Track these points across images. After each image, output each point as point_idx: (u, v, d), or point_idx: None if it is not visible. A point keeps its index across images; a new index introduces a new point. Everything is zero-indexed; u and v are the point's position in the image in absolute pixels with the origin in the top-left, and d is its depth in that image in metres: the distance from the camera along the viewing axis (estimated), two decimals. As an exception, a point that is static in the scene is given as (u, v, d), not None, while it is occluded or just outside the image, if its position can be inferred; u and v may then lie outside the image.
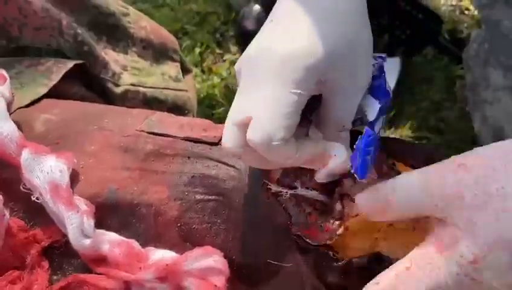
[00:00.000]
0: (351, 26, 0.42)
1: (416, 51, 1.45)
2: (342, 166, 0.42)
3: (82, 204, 0.47)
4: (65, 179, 0.47)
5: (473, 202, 0.35)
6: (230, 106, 0.44)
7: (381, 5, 1.39)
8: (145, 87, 0.70)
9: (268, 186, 0.48)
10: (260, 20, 1.41)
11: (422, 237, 0.39)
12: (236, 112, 0.42)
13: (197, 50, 1.46)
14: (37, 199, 0.47)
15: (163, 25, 0.83)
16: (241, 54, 0.45)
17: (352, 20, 0.43)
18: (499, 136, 1.15)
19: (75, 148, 0.51)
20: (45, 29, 0.63)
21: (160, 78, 0.73)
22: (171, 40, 0.76)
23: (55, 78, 0.59)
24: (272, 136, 0.40)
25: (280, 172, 0.48)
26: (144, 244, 0.48)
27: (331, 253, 0.47)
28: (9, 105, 0.53)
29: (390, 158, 0.46)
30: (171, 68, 0.75)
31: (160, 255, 0.47)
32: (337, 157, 0.42)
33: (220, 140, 0.47)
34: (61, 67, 0.60)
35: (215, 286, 0.45)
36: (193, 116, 0.76)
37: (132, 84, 0.69)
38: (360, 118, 0.44)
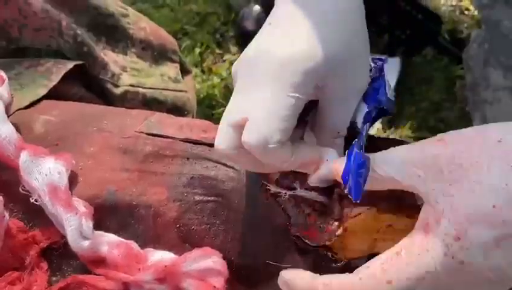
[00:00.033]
0: (350, 31, 0.42)
1: (416, 51, 1.45)
2: (334, 171, 0.42)
3: (81, 206, 0.47)
4: (64, 181, 0.47)
5: (450, 175, 0.36)
6: (230, 104, 0.44)
7: (381, 5, 1.39)
8: (145, 88, 0.70)
9: (267, 187, 0.48)
10: (260, 21, 1.41)
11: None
12: (232, 113, 0.42)
13: (197, 50, 1.47)
14: (36, 200, 0.47)
15: (163, 25, 0.83)
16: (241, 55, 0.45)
17: (351, 24, 0.42)
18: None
19: (74, 149, 0.51)
20: (45, 30, 0.63)
21: (160, 79, 0.73)
22: (170, 41, 0.76)
23: (55, 79, 0.59)
24: (268, 138, 0.40)
25: (279, 173, 0.48)
26: (142, 245, 0.48)
27: (330, 254, 0.47)
28: (8, 106, 0.53)
29: None
30: (171, 69, 0.75)
31: (159, 257, 0.47)
32: (329, 163, 0.42)
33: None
34: (60, 68, 0.60)
35: (214, 287, 0.45)
36: (193, 117, 0.76)
37: (131, 85, 0.69)
38: (352, 122, 0.44)
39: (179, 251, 0.47)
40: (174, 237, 0.49)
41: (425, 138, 0.40)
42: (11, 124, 0.50)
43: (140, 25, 0.73)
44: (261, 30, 0.44)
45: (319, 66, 0.40)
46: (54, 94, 0.58)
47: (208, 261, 0.46)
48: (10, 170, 0.49)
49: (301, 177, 0.47)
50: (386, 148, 0.44)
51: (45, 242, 0.48)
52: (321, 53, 0.40)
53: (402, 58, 1.41)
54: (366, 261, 0.40)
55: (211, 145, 0.51)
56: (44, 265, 0.48)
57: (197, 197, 0.49)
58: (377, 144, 0.45)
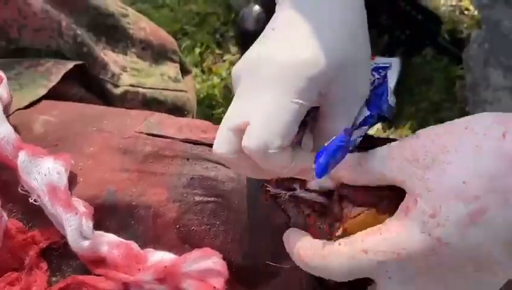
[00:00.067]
0: (352, 37, 0.42)
1: (416, 51, 1.45)
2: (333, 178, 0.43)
3: (81, 206, 0.47)
4: (63, 181, 0.47)
5: (424, 162, 0.38)
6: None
7: (380, 5, 1.39)
8: (145, 88, 0.70)
9: (267, 188, 0.48)
10: (260, 21, 1.41)
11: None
12: (232, 116, 0.42)
13: (197, 50, 1.47)
14: (35, 201, 0.47)
15: (163, 25, 0.83)
16: (241, 55, 0.45)
17: (353, 30, 0.42)
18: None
19: (73, 149, 0.51)
20: (45, 31, 0.63)
21: (160, 78, 0.73)
22: (170, 41, 0.76)
23: (55, 79, 0.59)
24: (269, 143, 0.40)
25: (278, 174, 0.48)
26: (142, 245, 0.48)
27: (330, 254, 0.47)
28: (7, 106, 0.53)
29: None
30: (171, 69, 0.75)
31: (159, 257, 0.47)
32: None
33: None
34: (60, 68, 0.60)
35: (214, 287, 0.46)
36: (193, 117, 0.76)
37: (131, 85, 0.69)
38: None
39: (178, 252, 0.47)
40: (174, 237, 0.49)
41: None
42: (9, 124, 0.50)
43: (140, 25, 0.73)
44: (263, 35, 0.44)
45: (322, 73, 0.40)
46: (53, 94, 0.58)
47: (207, 261, 0.46)
48: (9, 170, 0.49)
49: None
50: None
51: (45, 242, 0.48)
52: (324, 60, 0.40)
53: (402, 58, 1.41)
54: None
55: (211, 145, 0.51)
56: (44, 265, 0.48)
57: (197, 198, 0.49)
58: (376, 144, 0.45)
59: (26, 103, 0.55)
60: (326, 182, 0.44)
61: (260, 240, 0.49)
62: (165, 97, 0.72)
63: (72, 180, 0.49)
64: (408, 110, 1.39)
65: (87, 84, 0.66)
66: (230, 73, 1.29)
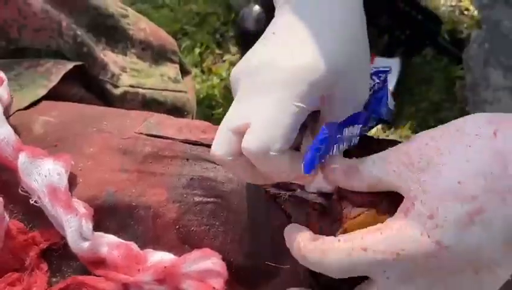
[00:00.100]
0: (352, 41, 0.42)
1: (416, 51, 1.45)
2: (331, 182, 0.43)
3: (80, 207, 0.47)
4: (63, 182, 0.47)
5: (419, 165, 0.39)
6: (230, 106, 0.43)
7: (380, 5, 1.39)
8: (144, 88, 0.70)
9: (267, 189, 0.48)
10: (260, 21, 1.41)
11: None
12: (233, 118, 0.42)
13: (197, 50, 1.47)
14: (36, 202, 0.47)
15: (163, 25, 0.83)
16: (241, 55, 0.45)
17: (353, 34, 0.43)
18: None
19: (73, 150, 0.51)
20: (45, 31, 0.63)
21: (159, 79, 0.73)
22: (170, 41, 0.76)
23: (55, 79, 0.59)
24: (270, 145, 0.40)
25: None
26: (142, 246, 0.48)
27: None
28: (7, 107, 0.53)
29: None
30: (170, 69, 0.75)
31: (159, 258, 0.47)
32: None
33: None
34: (60, 69, 0.60)
35: (214, 288, 0.46)
36: (192, 117, 0.76)
37: (131, 86, 0.69)
38: None
39: (178, 252, 0.47)
40: (174, 238, 0.49)
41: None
42: (9, 126, 0.50)
43: (140, 25, 0.73)
44: (263, 37, 0.44)
45: (323, 79, 0.40)
46: (53, 95, 0.58)
47: (207, 262, 0.46)
48: (10, 171, 0.49)
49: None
50: (384, 149, 0.45)
51: (45, 243, 0.48)
52: (325, 65, 0.40)
53: (402, 58, 1.42)
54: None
55: (210, 146, 0.51)
56: (44, 266, 0.48)
57: (197, 199, 0.49)
58: (375, 146, 0.45)
59: (26, 104, 0.55)
60: (325, 185, 0.44)
61: (260, 241, 0.49)
62: (165, 98, 0.72)
63: (72, 180, 0.49)
64: (408, 110, 1.39)
65: (87, 84, 0.66)
66: (230, 73, 1.29)
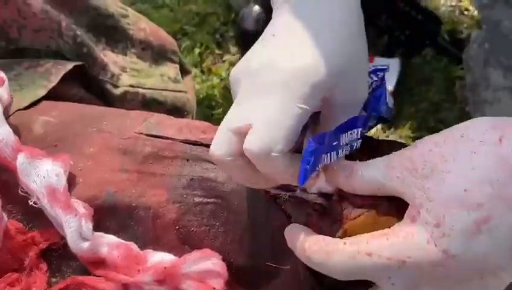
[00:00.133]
0: (352, 41, 0.42)
1: (416, 51, 1.45)
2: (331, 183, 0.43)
3: (80, 207, 0.47)
4: (62, 183, 0.47)
5: (423, 172, 0.38)
6: (229, 106, 0.43)
7: (380, 6, 1.39)
8: (144, 88, 0.70)
9: (267, 189, 0.48)
10: (260, 21, 1.41)
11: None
12: (234, 118, 0.42)
13: (197, 51, 1.47)
14: (35, 203, 0.47)
15: (163, 25, 0.83)
16: (241, 55, 0.45)
17: (352, 30, 0.42)
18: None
19: (73, 150, 0.51)
20: (44, 31, 0.63)
21: (159, 79, 0.73)
22: (170, 41, 0.76)
23: (54, 79, 0.59)
24: (272, 146, 0.39)
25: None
26: (142, 247, 0.48)
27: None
28: (7, 107, 0.53)
29: None
30: (170, 69, 0.75)
31: (159, 258, 0.47)
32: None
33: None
34: (60, 69, 0.60)
35: (214, 288, 0.45)
36: (192, 117, 0.76)
37: (131, 86, 0.69)
38: None
39: (178, 253, 0.47)
40: (174, 238, 0.49)
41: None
42: (8, 126, 0.50)
43: (140, 25, 0.73)
44: (262, 38, 0.44)
45: (326, 79, 0.40)
46: (53, 95, 0.58)
47: (207, 263, 0.46)
48: (9, 171, 0.49)
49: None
50: (384, 149, 0.45)
51: (44, 243, 0.48)
52: (327, 66, 0.40)
53: (402, 58, 1.42)
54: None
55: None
56: (44, 266, 0.48)
57: (197, 199, 0.49)
58: (376, 146, 0.45)
59: (26, 104, 0.55)
60: (325, 186, 0.44)
61: (260, 241, 0.49)
62: (165, 98, 0.72)
63: (72, 181, 0.49)
64: (408, 110, 1.39)
65: (87, 84, 0.66)
66: (230, 73, 1.29)
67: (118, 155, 0.51)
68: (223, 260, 0.47)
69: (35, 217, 0.49)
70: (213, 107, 1.38)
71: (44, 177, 0.47)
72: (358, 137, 0.44)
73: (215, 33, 1.50)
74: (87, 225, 0.46)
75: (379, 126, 1.36)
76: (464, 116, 1.34)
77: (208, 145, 0.51)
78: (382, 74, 0.46)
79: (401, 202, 0.40)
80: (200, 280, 0.46)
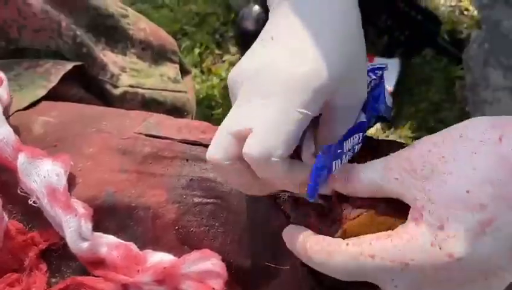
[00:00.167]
0: (351, 41, 0.42)
1: (415, 52, 1.45)
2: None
3: (80, 207, 0.47)
4: (62, 183, 0.47)
5: (422, 173, 0.38)
6: (229, 106, 0.43)
7: (380, 6, 1.39)
8: (144, 88, 0.70)
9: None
10: (260, 21, 1.41)
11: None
12: (233, 121, 0.41)
13: (197, 51, 1.47)
14: (34, 202, 0.47)
15: (163, 25, 0.83)
16: (240, 55, 0.45)
17: (351, 30, 0.42)
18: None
19: (73, 150, 0.51)
20: (44, 31, 0.63)
21: (159, 79, 0.73)
22: (170, 41, 0.76)
23: (54, 80, 0.59)
24: (272, 151, 0.39)
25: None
26: (141, 247, 0.48)
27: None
28: (7, 107, 0.53)
29: None
30: (170, 69, 0.75)
31: (158, 258, 0.47)
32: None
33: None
34: (60, 69, 0.60)
35: (213, 289, 0.46)
36: (192, 117, 0.76)
37: (131, 86, 0.69)
38: None
39: (177, 253, 0.47)
40: (173, 238, 0.49)
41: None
42: (8, 126, 0.50)
43: (140, 25, 0.73)
44: (262, 40, 0.43)
45: (328, 84, 0.40)
46: (53, 95, 0.58)
47: (207, 263, 0.46)
48: (9, 171, 0.49)
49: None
50: (383, 149, 0.45)
51: (44, 244, 0.48)
52: (328, 71, 0.40)
53: (401, 59, 1.42)
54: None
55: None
56: (44, 266, 0.48)
57: (196, 199, 0.49)
58: (376, 146, 0.45)
59: (25, 104, 0.55)
60: (325, 189, 0.44)
61: (259, 241, 0.49)
62: (165, 98, 0.72)
63: (71, 181, 0.49)
64: (408, 110, 1.39)
65: (87, 84, 0.66)
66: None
67: (118, 155, 0.51)
68: (223, 260, 0.47)
69: (35, 217, 0.49)
70: (213, 107, 1.38)
71: (44, 177, 0.47)
72: (359, 141, 0.44)
73: (215, 33, 1.50)
74: (87, 225, 0.47)
75: (379, 126, 1.36)
76: (464, 116, 1.34)
77: (207, 146, 0.51)
78: (381, 72, 0.46)
79: (401, 202, 0.40)
80: (199, 280, 0.46)
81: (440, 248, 0.36)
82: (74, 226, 0.46)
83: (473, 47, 1.31)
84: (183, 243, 0.49)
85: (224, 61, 1.47)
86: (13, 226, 0.48)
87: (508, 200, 0.36)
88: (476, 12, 1.47)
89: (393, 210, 0.41)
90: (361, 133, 0.44)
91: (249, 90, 0.41)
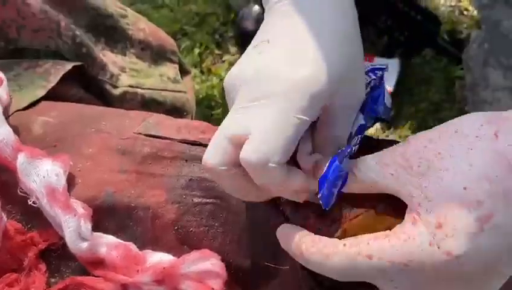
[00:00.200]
0: (349, 44, 0.42)
1: (415, 52, 1.45)
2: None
3: (79, 207, 0.47)
4: (61, 183, 0.47)
5: (418, 169, 0.37)
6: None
7: (380, 6, 1.39)
8: (144, 88, 0.70)
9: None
10: (260, 21, 1.40)
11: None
12: (230, 127, 0.41)
13: (196, 51, 1.47)
14: (34, 202, 0.47)
15: (163, 25, 0.83)
16: (240, 55, 0.44)
17: (348, 31, 0.42)
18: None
19: (72, 150, 0.51)
20: (44, 31, 0.63)
21: (159, 79, 0.73)
22: (169, 41, 0.76)
23: (54, 80, 0.59)
24: (270, 157, 0.39)
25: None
26: (141, 247, 0.48)
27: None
28: (6, 107, 0.53)
29: None
30: (170, 69, 0.75)
31: (158, 258, 0.47)
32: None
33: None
34: (59, 69, 0.60)
35: (213, 289, 0.45)
36: (192, 117, 0.76)
37: (130, 86, 0.69)
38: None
39: (177, 253, 0.47)
40: (173, 239, 0.49)
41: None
42: (8, 126, 0.50)
43: (139, 25, 0.73)
44: (259, 42, 0.42)
45: (327, 88, 0.40)
46: (52, 95, 0.58)
47: (206, 263, 0.46)
48: (8, 172, 0.49)
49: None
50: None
51: (43, 244, 0.48)
52: (327, 75, 0.40)
53: (401, 59, 1.42)
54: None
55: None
56: (43, 267, 0.48)
57: (196, 199, 0.49)
58: (375, 146, 0.45)
59: (25, 104, 0.55)
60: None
61: (259, 241, 0.49)
62: (164, 98, 0.72)
63: (71, 181, 0.49)
64: (408, 110, 1.39)
65: (86, 84, 0.66)
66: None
67: (117, 155, 0.51)
68: (222, 260, 0.47)
69: (35, 217, 0.49)
70: (212, 107, 1.38)
71: (44, 177, 0.47)
72: (357, 142, 0.44)
73: (214, 33, 1.50)
74: (86, 225, 0.47)
75: (379, 126, 1.36)
76: (463, 116, 1.34)
77: (206, 146, 0.51)
78: (381, 73, 0.46)
79: (400, 201, 0.40)
80: (199, 280, 0.46)
81: (438, 247, 0.36)
82: (73, 226, 0.46)
83: (472, 47, 1.31)
84: (183, 243, 0.49)
85: (224, 62, 1.47)
86: (12, 226, 0.48)
87: (505, 196, 0.35)
88: (475, 12, 1.47)
89: (393, 210, 0.41)
90: (360, 136, 0.44)
91: (247, 94, 0.41)
